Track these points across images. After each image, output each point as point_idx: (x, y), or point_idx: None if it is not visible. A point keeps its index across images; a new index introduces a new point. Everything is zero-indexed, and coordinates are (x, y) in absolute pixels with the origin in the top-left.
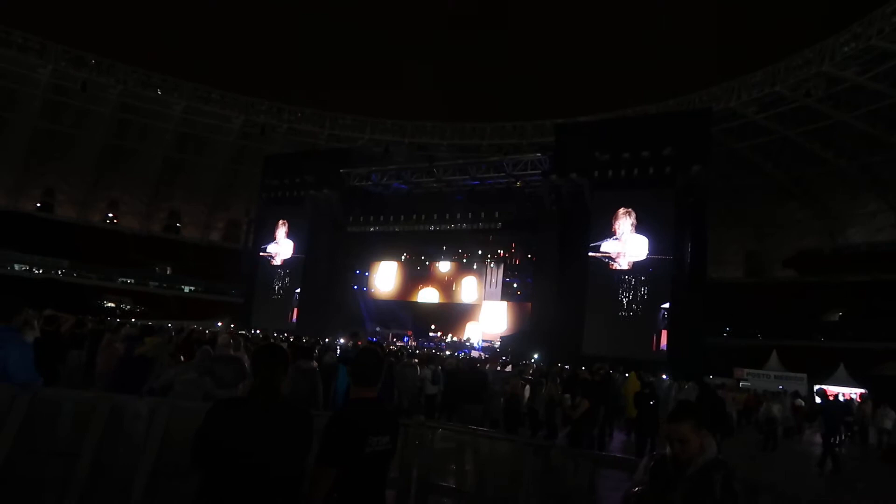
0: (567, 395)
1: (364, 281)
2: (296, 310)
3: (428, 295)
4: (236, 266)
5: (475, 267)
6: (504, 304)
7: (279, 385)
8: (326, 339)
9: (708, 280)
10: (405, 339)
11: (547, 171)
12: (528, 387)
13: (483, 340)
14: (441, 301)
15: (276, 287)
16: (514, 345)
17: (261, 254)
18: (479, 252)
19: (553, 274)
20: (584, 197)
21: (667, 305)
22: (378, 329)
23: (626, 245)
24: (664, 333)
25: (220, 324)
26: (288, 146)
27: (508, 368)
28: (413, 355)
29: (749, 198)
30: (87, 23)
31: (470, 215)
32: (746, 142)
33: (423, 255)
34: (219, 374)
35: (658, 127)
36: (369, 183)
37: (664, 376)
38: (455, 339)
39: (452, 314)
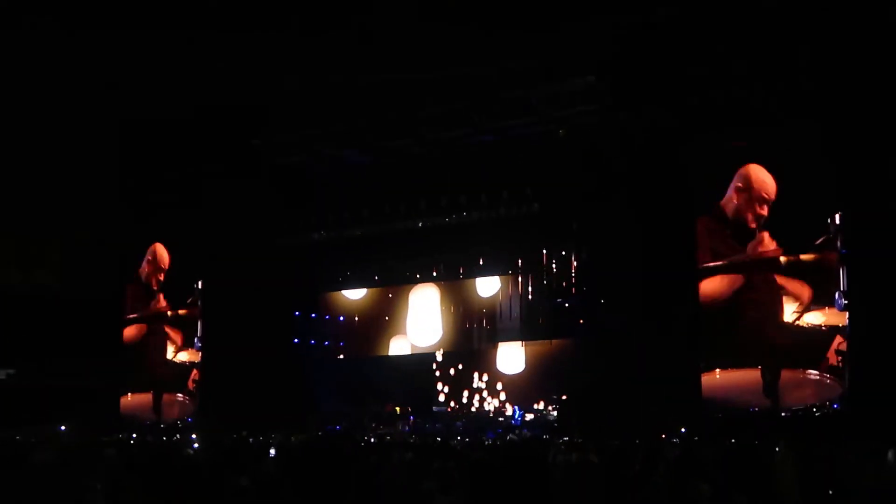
0: (706, 486)
1: (313, 328)
2: (196, 390)
3: (422, 317)
4: (89, 325)
5: (500, 286)
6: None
7: None
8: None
9: None
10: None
11: (609, 105)
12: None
13: (519, 409)
14: (447, 343)
15: (159, 355)
16: (581, 407)
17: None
18: (503, 258)
19: (633, 282)
20: (676, 144)
21: (841, 313)
22: (343, 408)
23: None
24: (835, 358)
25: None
26: (159, 108)
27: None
28: (407, 447)
29: None
30: None
31: (483, 196)
32: None
33: (407, 271)
34: None
35: (783, 17)
36: (305, 156)
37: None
38: (476, 404)
39: (471, 354)
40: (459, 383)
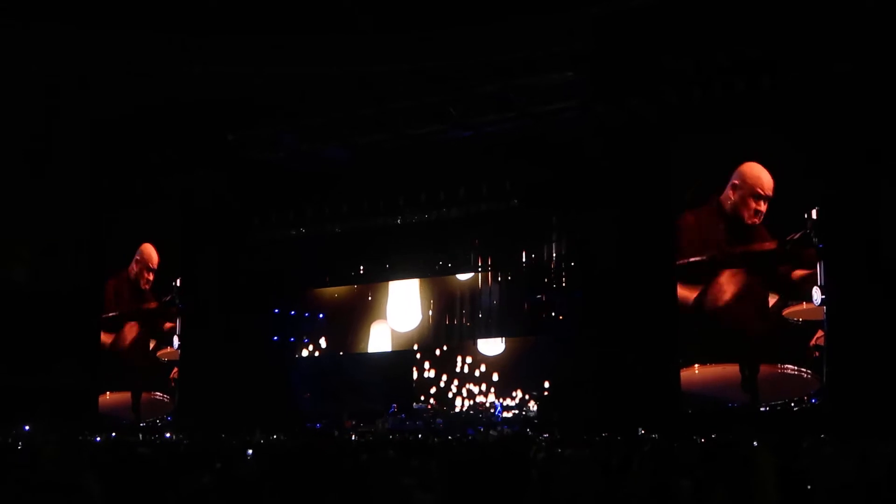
0: (686, 482)
1: (291, 325)
2: (175, 389)
3: (401, 309)
4: (64, 324)
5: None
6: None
7: None
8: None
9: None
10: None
11: (588, 99)
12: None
13: (499, 406)
14: (426, 328)
15: (139, 353)
16: (561, 403)
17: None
18: (482, 253)
19: (613, 277)
20: (657, 138)
21: (818, 308)
22: (320, 406)
23: None
24: (812, 353)
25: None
26: (135, 104)
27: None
28: (387, 445)
29: None
30: None
31: (462, 190)
32: None
33: (386, 267)
34: None
35: (765, 10)
36: (280, 152)
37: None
38: (454, 389)
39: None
40: (444, 366)
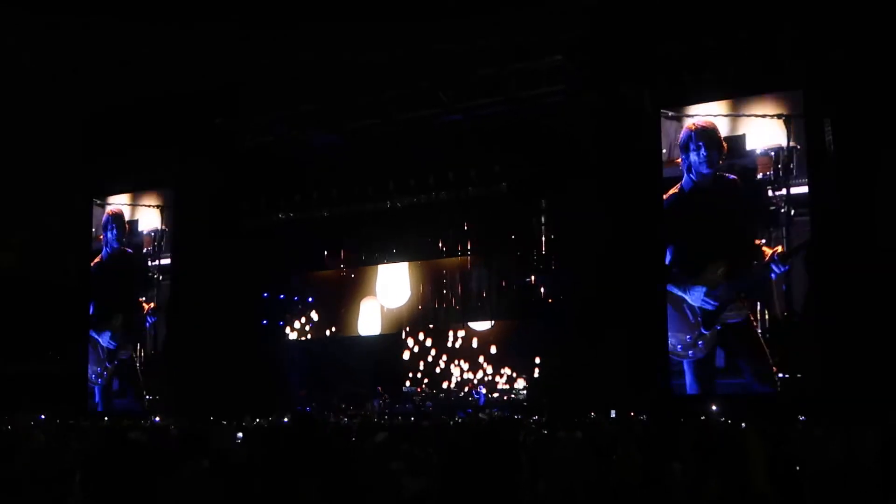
0: (678, 465)
1: (280, 310)
2: (166, 375)
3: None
4: (54, 311)
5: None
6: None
7: None
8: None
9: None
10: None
11: (577, 84)
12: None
13: (482, 392)
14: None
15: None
16: (550, 387)
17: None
18: (471, 237)
19: (602, 260)
20: (650, 126)
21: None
22: (309, 393)
23: None
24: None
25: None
26: (125, 90)
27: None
28: (376, 428)
29: None
30: None
31: (451, 175)
32: None
33: (376, 251)
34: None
35: None
36: (271, 139)
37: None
38: (442, 365)
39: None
40: (434, 340)
